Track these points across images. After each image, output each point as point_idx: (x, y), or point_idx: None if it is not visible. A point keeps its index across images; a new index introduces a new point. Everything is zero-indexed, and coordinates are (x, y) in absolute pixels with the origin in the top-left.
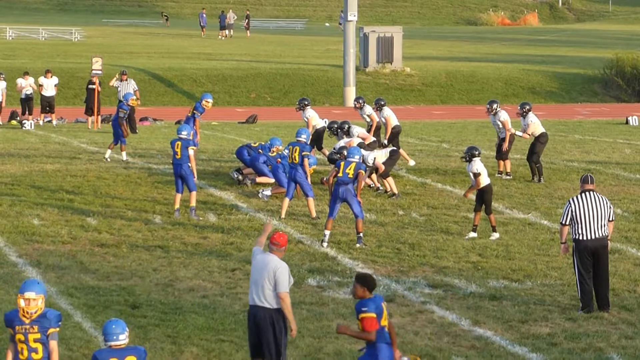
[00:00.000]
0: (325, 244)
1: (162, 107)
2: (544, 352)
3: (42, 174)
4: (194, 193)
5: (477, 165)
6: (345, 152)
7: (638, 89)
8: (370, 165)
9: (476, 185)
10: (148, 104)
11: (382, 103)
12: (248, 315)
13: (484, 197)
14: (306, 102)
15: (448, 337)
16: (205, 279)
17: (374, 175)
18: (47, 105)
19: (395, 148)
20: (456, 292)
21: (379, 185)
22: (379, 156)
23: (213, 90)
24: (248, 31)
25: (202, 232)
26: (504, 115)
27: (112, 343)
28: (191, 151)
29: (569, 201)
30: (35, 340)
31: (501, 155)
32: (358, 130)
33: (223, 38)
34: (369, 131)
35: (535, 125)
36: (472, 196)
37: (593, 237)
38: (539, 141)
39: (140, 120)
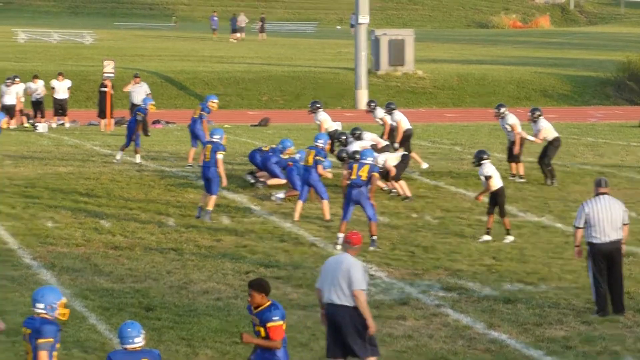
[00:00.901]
0: (338, 247)
1: (175, 110)
2: (559, 356)
3: (56, 177)
4: (214, 197)
5: (488, 168)
6: (357, 155)
7: None
8: (381, 166)
9: (487, 187)
10: (160, 107)
11: (392, 107)
12: (325, 315)
13: (497, 200)
14: (318, 105)
15: (463, 340)
16: (219, 282)
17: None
18: (60, 108)
19: (406, 152)
20: (470, 295)
21: (391, 187)
22: (391, 159)
23: (225, 93)
24: (263, 34)
25: (215, 234)
26: (512, 119)
27: (128, 346)
28: (220, 155)
29: (583, 204)
30: None
31: (513, 158)
32: (370, 136)
33: (235, 41)
34: (382, 135)
35: (547, 130)
36: (485, 199)
37: (607, 240)
38: (552, 145)
39: (153, 123)
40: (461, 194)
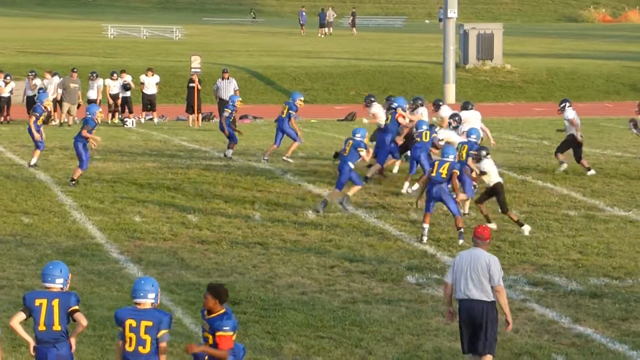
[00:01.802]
0: (425, 238)
1: (262, 105)
2: None
3: (144, 172)
4: (358, 187)
5: (486, 164)
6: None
7: None
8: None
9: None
10: (248, 102)
11: (420, 102)
12: (460, 310)
13: (495, 196)
14: (373, 99)
15: (548, 334)
16: (304, 276)
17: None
18: (149, 104)
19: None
20: (556, 290)
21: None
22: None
23: (312, 87)
24: (354, 29)
25: (300, 229)
26: (569, 114)
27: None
28: (363, 152)
29: None
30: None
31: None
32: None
33: (322, 36)
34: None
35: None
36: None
37: None
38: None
39: (240, 118)
40: (549, 189)
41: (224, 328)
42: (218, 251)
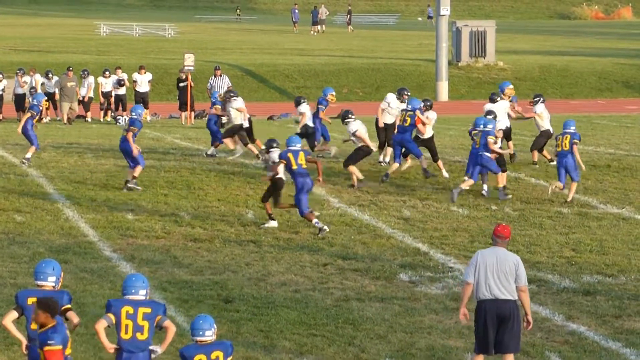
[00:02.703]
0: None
1: (255, 103)
2: (637, 347)
3: None
4: (500, 175)
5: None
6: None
7: None
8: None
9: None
10: None
11: (429, 104)
12: (481, 311)
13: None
14: (302, 100)
15: (541, 332)
16: (297, 274)
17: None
18: (141, 101)
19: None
20: (550, 287)
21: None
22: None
23: (305, 85)
24: (350, 26)
25: (294, 226)
26: (539, 108)
27: (199, 339)
28: (490, 139)
29: None
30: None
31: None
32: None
33: (315, 33)
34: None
35: (544, 118)
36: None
37: None
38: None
39: None
40: (542, 186)
41: (49, 342)
42: (211, 249)
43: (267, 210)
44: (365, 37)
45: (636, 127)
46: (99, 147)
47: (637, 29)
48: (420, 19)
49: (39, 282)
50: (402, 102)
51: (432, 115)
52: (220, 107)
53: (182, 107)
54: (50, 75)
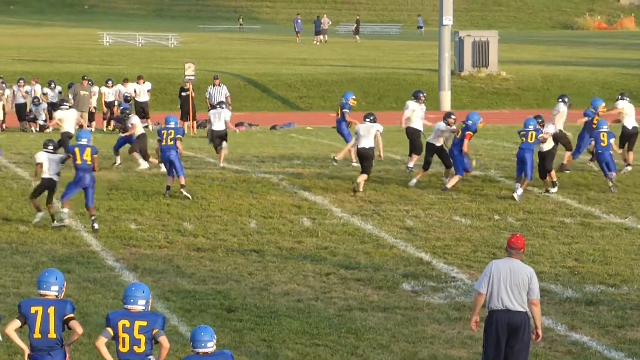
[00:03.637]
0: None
1: (258, 112)
2: None
3: (139, 179)
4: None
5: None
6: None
7: None
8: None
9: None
10: (243, 109)
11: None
12: (492, 321)
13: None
14: (128, 111)
15: (544, 342)
16: (300, 283)
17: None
18: (141, 111)
19: None
20: (552, 297)
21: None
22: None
23: (307, 95)
24: (357, 36)
25: (296, 236)
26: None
27: (200, 350)
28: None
29: None
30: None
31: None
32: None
33: (318, 43)
34: None
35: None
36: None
37: None
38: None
39: (236, 125)
40: (544, 196)
41: None
42: (214, 259)
43: (35, 204)
44: (367, 47)
45: (639, 137)
46: (102, 157)
47: (639, 39)
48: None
49: (42, 292)
50: (420, 103)
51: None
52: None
53: (184, 116)
54: (52, 85)
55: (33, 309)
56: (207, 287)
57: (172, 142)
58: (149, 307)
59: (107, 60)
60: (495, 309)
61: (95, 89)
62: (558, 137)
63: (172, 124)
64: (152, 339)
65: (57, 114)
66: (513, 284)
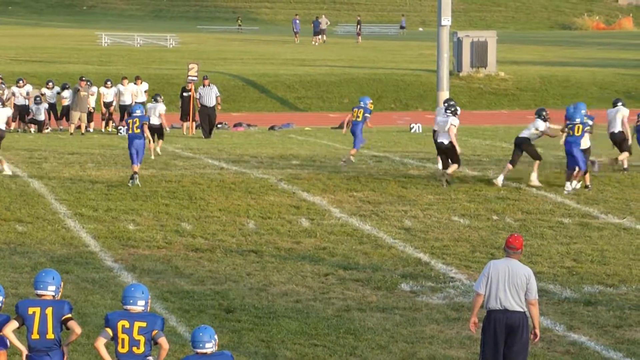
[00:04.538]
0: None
1: (256, 113)
2: (638, 357)
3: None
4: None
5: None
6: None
7: None
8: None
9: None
10: (242, 110)
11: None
12: (490, 321)
13: None
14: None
15: (542, 342)
16: (299, 284)
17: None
18: None
19: None
20: (551, 298)
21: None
22: None
23: (306, 95)
24: (359, 37)
25: (295, 237)
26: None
27: (199, 350)
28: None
29: None
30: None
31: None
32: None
33: (316, 44)
34: None
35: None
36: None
37: None
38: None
39: (235, 126)
40: (542, 196)
41: None
42: (212, 259)
43: None
44: (366, 47)
45: (635, 137)
46: (100, 158)
47: (638, 39)
48: (421, 29)
49: (39, 292)
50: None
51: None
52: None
53: (184, 117)
54: (50, 85)
55: (31, 310)
56: (205, 287)
57: (139, 131)
58: (148, 307)
59: (105, 60)
60: (494, 309)
61: (94, 89)
62: (616, 138)
63: (137, 113)
64: (152, 339)
65: None
66: (511, 284)
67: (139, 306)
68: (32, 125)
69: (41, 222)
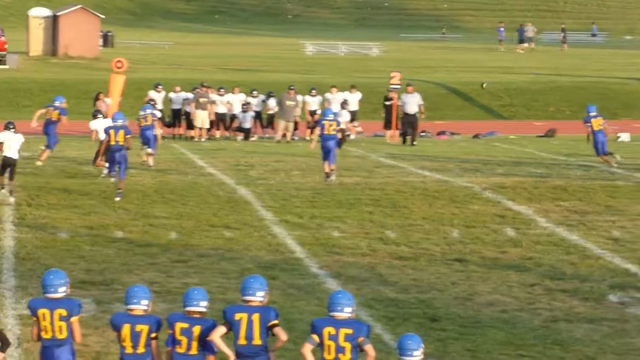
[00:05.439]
0: None
1: (460, 121)
2: None
3: (342, 187)
4: None
5: None
6: None
7: None
8: None
9: None
10: (445, 118)
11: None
12: None
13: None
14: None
15: None
16: (504, 294)
17: None
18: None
19: None
20: None
21: None
22: None
23: (511, 103)
24: (565, 45)
25: (500, 246)
26: None
27: (407, 358)
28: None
29: None
30: None
31: None
32: None
33: (522, 51)
34: None
35: None
36: None
37: None
38: None
39: (438, 134)
40: None
41: None
42: (416, 267)
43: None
44: (572, 55)
45: None
46: (305, 165)
47: None
48: (628, 37)
49: (247, 298)
50: None
51: None
52: None
53: (387, 125)
54: (255, 93)
55: (237, 316)
56: (410, 295)
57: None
58: (354, 315)
59: (309, 69)
60: None
61: (300, 98)
62: None
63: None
64: (358, 346)
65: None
66: None
67: (345, 313)
68: (239, 133)
69: (248, 228)
